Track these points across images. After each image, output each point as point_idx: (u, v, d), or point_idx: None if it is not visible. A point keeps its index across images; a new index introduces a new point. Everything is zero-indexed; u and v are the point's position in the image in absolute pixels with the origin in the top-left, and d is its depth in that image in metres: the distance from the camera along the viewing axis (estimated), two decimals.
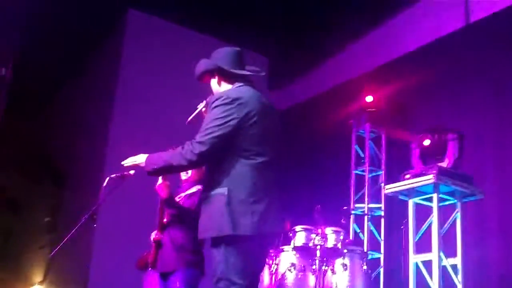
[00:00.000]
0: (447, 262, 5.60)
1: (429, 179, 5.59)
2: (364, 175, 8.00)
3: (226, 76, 3.72)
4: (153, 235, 5.11)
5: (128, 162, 3.79)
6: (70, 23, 9.62)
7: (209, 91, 3.87)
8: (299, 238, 5.88)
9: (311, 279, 5.66)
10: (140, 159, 3.70)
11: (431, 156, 6.99)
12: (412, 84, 7.81)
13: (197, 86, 11.31)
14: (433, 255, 5.55)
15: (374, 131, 8.22)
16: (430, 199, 5.83)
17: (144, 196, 8.33)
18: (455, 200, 5.85)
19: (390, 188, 6.12)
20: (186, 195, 5.15)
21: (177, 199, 5.18)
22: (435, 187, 5.67)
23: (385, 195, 7.05)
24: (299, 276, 5.68)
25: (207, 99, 3.74)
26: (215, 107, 3.46)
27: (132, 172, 5.01)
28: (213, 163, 3.46)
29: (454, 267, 5.67)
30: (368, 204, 7.82)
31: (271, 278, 5.87)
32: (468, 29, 7.38)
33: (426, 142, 7.01)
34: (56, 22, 9.42)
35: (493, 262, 6.45)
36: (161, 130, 9.50)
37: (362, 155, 8.17)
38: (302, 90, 10.20)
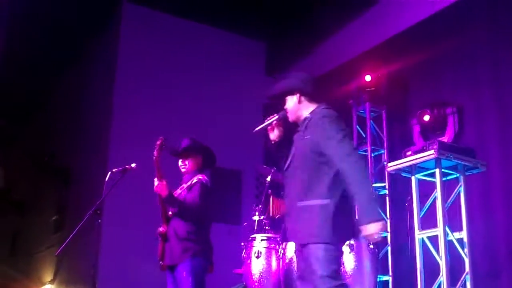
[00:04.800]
0: (453, 236, 5.60)
1: (430, 155, 5.56)
2: (366, 155, 7.98)
3: (308, 96, 3.98)
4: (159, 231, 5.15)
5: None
6: (64, 17, 9.62)
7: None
8: None
9: None
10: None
11: (431, 131, 7.00)
12: (411, 61, 7.78)
13: (195, 75, 11.22)
14: (438, 230, 5.55)
15: (374, 110, 8.18)
16: (433, 175, 5.81)
17: (149, 189, 8.39)
18: (458, 174, 5.83)
19: (392, 166, 6.10)
20: (187, 186, 5.18)
21: (178, 191, 5.20)
22: (437, 162, 5.65)
23: (388, 173, 7.04)
24: None
25: (279, 114, 4.06)
26: (331, 123, 3.77)
27: (133, 165, 5.06)
28: (312, 174, 3.72)
29: (460, 241, 5.66)
30: (372, 183, 7.80)
31: (278, 263, 5.88)
32: (465, 3, 7.32)
33: (426, 118, 7.01)
34: (50, 17, 9.43)
35: (500, 234, 6.44)
36: (162, 121, 9.52)
37: (364, 135, 8.15)
38: None
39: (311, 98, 4.00)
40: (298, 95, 3.98)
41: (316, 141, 3.76)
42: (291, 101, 4.02)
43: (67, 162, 11.25)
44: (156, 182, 4.97)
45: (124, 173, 5.01)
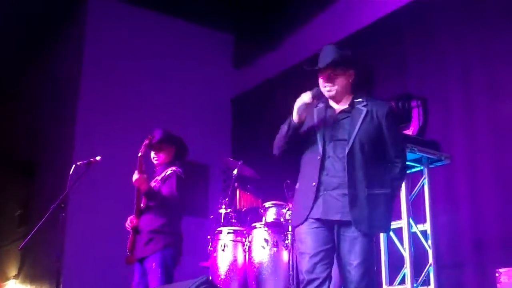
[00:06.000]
0: (417, 228, 5.65)
1: None
2: None
3: (355, 81, 3.87)
4: (128, 222, 5.10)
5: None
6: (29, 7, 9.51)
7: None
8: (270, 214, 5.88)
9: (284, 254, 5.68)
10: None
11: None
12: (376, 54, 7.83)
13: (162, 67, 11.11)
14: (403, 222, 5.59)
15: None
16: None
17: (114, 182, 8.31)
18: (422, 167, 5.88)
19: None
20: (161, 178, 5.15)
21: (152, 183, 5.16)
22: None
23: None
24: (272, 252, 5.70)
25: (315, 90, 3.85)
26: (396, 120, 3.98)
27: (98, 158, 5.01)
28: (375, 162, 3.68)
29: (424, 233, 5.71)
30: None
31: (244, 256, 5.88)
32: None
33: None
34: (15, 7, 9.32)
35: (464, 226, 6.52)
36: (128, 114, 9.46)
37: None
38: (269, 66, 10.17)
39: (354, 85, 3.86)
40: (353, 73, 3.83)
41: (381, 132, 3.71)
42: (346, 77, 3.83)
43: (31, 155, 11.11)
44: (136, 175, 4.93)
45: (89, 166, 4.95)
